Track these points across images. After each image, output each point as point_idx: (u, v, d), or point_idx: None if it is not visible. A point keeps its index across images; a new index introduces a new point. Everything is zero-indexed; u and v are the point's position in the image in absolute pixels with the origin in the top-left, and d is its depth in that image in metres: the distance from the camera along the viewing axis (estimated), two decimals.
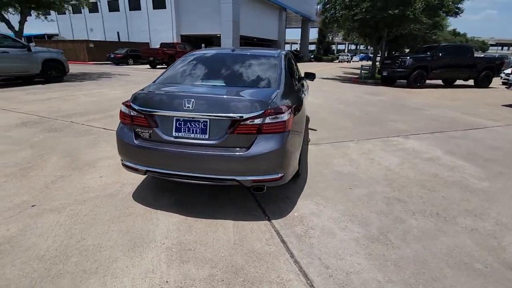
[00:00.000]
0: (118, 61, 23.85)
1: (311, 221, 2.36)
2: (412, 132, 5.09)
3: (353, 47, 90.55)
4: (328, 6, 14.22)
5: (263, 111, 2.15)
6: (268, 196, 2.71)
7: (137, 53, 24.03)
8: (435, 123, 5.82)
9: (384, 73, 12.94)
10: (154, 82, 2.81)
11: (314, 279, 1.75)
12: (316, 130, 5.10)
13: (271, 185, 2.34)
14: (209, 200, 2.63)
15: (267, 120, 2.16)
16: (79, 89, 9.46)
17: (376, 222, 2.36)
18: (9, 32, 12.67)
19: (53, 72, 11.12)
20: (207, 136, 2.21)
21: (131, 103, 2.37)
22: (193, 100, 2.17)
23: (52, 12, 36.12)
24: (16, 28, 12.66)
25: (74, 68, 19.23)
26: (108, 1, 32.14)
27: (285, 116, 2.24)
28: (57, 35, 37.85)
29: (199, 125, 2.21)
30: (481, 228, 2.30)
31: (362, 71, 15.70)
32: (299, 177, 3.09)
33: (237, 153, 2.14)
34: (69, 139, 4.30)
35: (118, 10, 32.02)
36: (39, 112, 5.94)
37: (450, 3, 11.95)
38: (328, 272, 1.81)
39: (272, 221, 2.35)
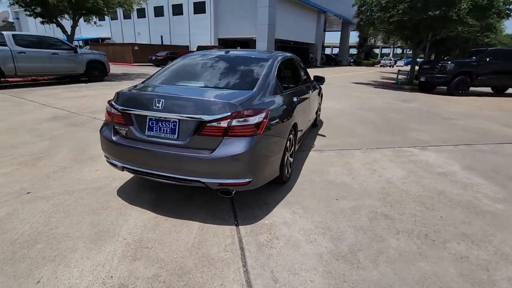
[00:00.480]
0: (159, 63, 25.32)
1: (279, 230, 2.25)
2: (433, 144, 4.64)
3: (399, 50, 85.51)
4: (363, 8, 13.61)
5: (230, 113, 2.11)
6: (245, 200, 2.65)
7: (175, 56, 25.31)
8: (464, 135, 5.24)
9: (422, 79, 12.01)
10: (143, 82, 2.92)
11: None
12: (325, 136, 4.88)
13: (240, 190, 2.29)
14: (185, 200, 2.65)
15: (234, 122, 2.11)
16: (114, 88, 10.18)
17: (350, 238, 2.17)
18: (63, 36, 14.12)
19: (95, 72, 12.11)
20: (176, 136, 2.22)
21: (113, 102, 2.48)
22: (162, 100, 2.20)
23: (106, 18, 39.52)
24: (69, 32, 14.06)
25: (118, 69, 20.82)
26: (154, 6, 34.29)
27: (254, 120, 2.18)
28: (109, 38, 41.39)
29: (169, 125, 2.24)
30: (473, 257, 2.00)
31: (399, 76, 14.75)
32: (286, 184, 2.98)
33: (202, 155, 2.13)
34: (86, 133, 4.64)
35: (163, 15, 34.02)
36: (71, 108, 6.50)
37: (501, 4, 10.72)
38: (274, 286, 1.70)
39: (240, 227, 2.28)
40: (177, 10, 32.57)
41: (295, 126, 3.05)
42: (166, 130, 2.25)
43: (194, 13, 31.10)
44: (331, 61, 42.06)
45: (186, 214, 2.42)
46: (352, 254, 2.00)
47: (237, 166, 2.15)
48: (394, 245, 2.10)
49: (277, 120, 2.51)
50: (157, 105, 2.20)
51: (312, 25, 35.67)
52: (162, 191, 2.79)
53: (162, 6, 33.59)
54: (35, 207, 2.47)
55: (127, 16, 38.27)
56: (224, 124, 2.11)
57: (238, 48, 26.95)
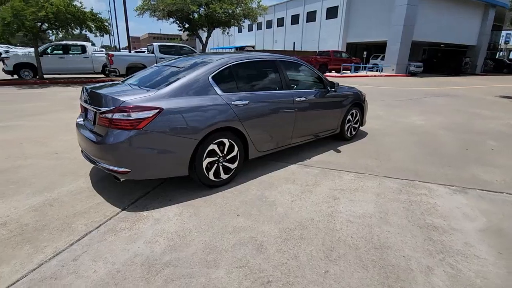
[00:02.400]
0: None
1: (141, 224, 2.32)
2: (491, 188, 3.10)
3: None
4: None
5: (113, 107, 2.37)
6: (160, 192, 2.83)
7: None
8: None
9: None
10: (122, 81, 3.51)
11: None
12: (340, 151, 4.15)
13: (126, 178, 2.50)
14: (103, 182, 3.07)
15: (116, 115, 2.36)
16: None
17: (194, 246, 2.00)
18: (190, 46, 17.51)
19: None
20: (93, 124, 2.68)
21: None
22: (86, 93, 2.72)
23: (254, 28, 45.16)
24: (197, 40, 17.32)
25: None
26: (292, 15, 36.56)
27: (137, 115, 2.35)
28: (253, 46, 47.34)
29: (91, 114, 2.73)
30: None
31: None
32: (214, 188, 2.91)
33: (95, 141, 2.50)
34: None
35: (298, 23, 35.76)
36: None
37: None
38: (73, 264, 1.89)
39: (124, 211, 2.51)
40: (311, 17, 33.44)
41: (232, 130, 2.90)
42: (91, 119, 2.75)
43: (326, 19, 31.03)
44: (502, 67, 31.90)
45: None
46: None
47: (114, 155, 2.39)
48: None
49: (180, 119, 2.54)
50: (86, 98, 2.74)
51: (474, 23, 28.20)
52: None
53: (298, 14, 35.32)
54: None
55: (269, 25, 42.59)
56: (109, 116, 2.39)
57: (365, 53, 24.94)
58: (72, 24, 12.27)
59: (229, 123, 2.86)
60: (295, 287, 1.71)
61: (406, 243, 2.14)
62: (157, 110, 2.43)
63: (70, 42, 14.07)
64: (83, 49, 13.34)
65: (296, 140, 3.78)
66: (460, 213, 2.59)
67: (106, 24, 13.72)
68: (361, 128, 5.10)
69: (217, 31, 19.77)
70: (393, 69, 23.20)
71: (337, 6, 29.30)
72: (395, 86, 14.21)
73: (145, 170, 2.51)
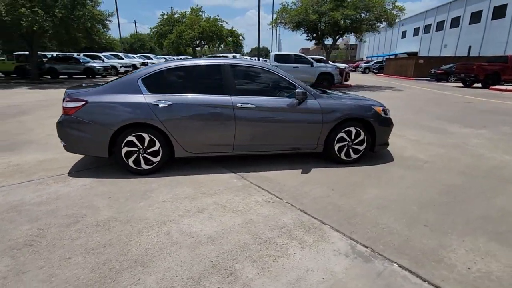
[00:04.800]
0: (439, 77, 22.07)
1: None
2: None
3: None
4: None
5: (65, 98, 3.30)
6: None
7: (463, 70, 20.50)
8: None
9: None
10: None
11: None
12: (308, 173, 3.48)
13: (64, 149, 3.39)
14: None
15: (63, 104, 3.28)
16: None
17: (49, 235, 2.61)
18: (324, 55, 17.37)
19: (323, 82, 14.15)
20: None
21: None
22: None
23: (420, 32, 39.22)
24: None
25: (371, 80, 21.13)
26: (471, 12, 28.92)
27: (69, 105, 3.21)
28: (416, 53, 40.92)
29: None
30: None
31: None
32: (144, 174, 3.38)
33: None
34: None
35: (479, 21, 27.87)
36: None
37: None
38: None
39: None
40: (499, 12, 25.20)
41: (153, 126, 3.21)
42: None
43: None
44: None
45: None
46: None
47: (58, 132, 3.31)
48: None
49: (101, 111, 3.17)
50: None
51: None
52: None
53: (481, 11, 27.49)
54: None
55: (439, 27, 35.59)
56: (62, 104, 3.34)
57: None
58: (215, 40, 15.48)
59: (146, 120, 3.22)
60: None
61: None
62: (83, 102, 3.18)
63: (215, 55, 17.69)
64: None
65: (246, 149, 3.55)
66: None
67: (241, 38, 16.32)
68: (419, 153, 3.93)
69: (375, 39, 18.66)
70: None
71: None
72: None
73: (74, 146, 3.32)
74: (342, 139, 3.70)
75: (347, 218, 2.51)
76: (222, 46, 16.62)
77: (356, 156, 3.79)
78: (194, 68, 3.56)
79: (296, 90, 3.39)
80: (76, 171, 3.51)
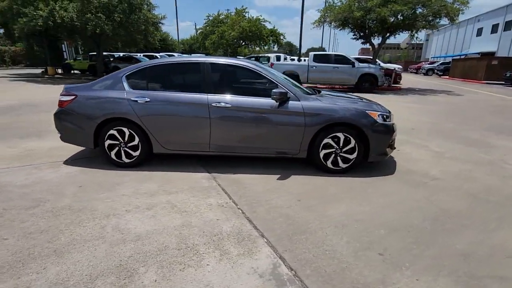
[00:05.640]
0: None
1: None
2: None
3: None
4: None
5: (61, 92, 3.61)
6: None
7: None
8: None
9: None
10: None
11: None
12: (279, 179, 3.24)
13: (63, 141, 3.70)
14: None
15: (59, 97, 3.59)
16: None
17: None
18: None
19: (365, 84, 13.16)
20: None
21: None
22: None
23: (499, 30, 34.11)
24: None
25: (432, 83, 18.73)
26: None
27: (62, 98, 3.50)
28: (493, 53, 35.43)
29: None
30: None
31: None
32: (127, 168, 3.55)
33: None
34: None
35: None
36: None
37: None
38: None
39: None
40: None
41: (132, 121, 3.33)
42: None
43: None
44: None
45: None
46: None
47: (55, 123, 3.62)
48: None
49: (87, 105, 3.39)
50: None
51: None
52: None
53: None
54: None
55: None
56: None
57: None
58: (256, 40, 15.56)
59: (125, 115, 3.34)
60: None
61: None
62: (74, 96, 3.43)
63: (260, 55, 17.85)
64: (268, 59, 16.45)
65: (222, 150, 3.46)
66: None
67: (282, 38, 16.12)
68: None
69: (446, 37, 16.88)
70: None
71: None
72: None
73: (67, 136, 3.61)
74: (328, 146, 3.35)
75: (292, 233, 2.24)
76: (266, 46, 16.66)
77: (346, 165, 3.39)
78: (174, 66, 3.59)
79: (273, 90, 3.16)
80: (73, 160, 3.82)
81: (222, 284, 1.72)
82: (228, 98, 3.32)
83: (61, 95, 3.54)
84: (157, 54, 25.69)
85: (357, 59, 16.30)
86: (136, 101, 3.34)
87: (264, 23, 16.11)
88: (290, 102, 3.29)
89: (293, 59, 19.29)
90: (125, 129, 3.40)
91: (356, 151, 3.33)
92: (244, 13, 16.07)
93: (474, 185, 3.23)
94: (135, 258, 1.93)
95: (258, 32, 14.79)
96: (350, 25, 15.44)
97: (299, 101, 3.31)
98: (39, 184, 3.05)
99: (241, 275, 1.79)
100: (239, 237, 2.18)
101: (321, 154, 3.37)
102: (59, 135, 3.66)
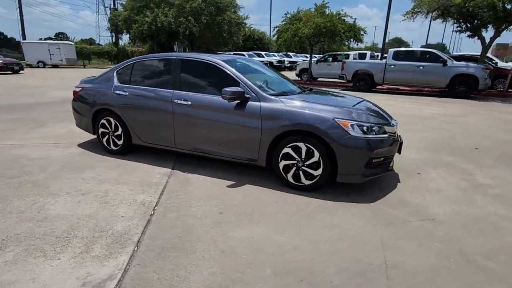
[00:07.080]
0: None
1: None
2: None
3: None
4: None
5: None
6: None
7: None
8: None
9: None
10: None
11: None
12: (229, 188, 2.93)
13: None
14: None
15: (74, 88, 4.20)
16: (469, 110, 8.96)
17: None
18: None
19: (460, 87, 10.61)
20: None
21: None
22: None
23: None
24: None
25: None
26: None
27: (75, 89, 4.08)
28: None
29: None
30: None
31: None
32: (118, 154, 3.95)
33: None
34: None
35: None
36: None
37: None
38: None
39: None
40: None
41: (115, 114, 3.63)
42: None
43: None
44: None
45: None
46: None
47: (72, 112, 4.27)
48: None
49: (87, 96, 3.86)
50: None
51: None
52: None
53: None
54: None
55: None
56: None
57: None
58: (331, 36, 14.52)
59: (110, 107, 3.67)
60: None
61: None
62: (80, 88, 3.97)
63: (338, 52, 16.71)
64: (347, 57, 15.25)
65: (186, 148, 3.39)
66: None
67: (361, 33, 14.54)
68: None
69: None
70: None
71: None
72: None
73: (78, 123, 4.20)
74: (289, 156, 2.83)
75: (170, 247, 2.00)
76: (347, 42, 15.41)
77: (309, 182, 2.80)
78: (152, 62, 3.70)
79: (223, 89, 2.85)
80: (84, 142, 4.43)
81: (44, 282, 1.68)
82: (190, 95, 3.22)
83: (75, 86, 4.15)
84: (244, 53, 27.27)
85: (461, 56, 13.28)
86: (119, 94, 3.61)
87: (345, 18, 14.86)
88: (249, 102, 2.93)
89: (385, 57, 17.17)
90: (111, 119, 3.73)
91: (321, 167, 2.71)
92: (324, 9, 15.18)
93: (488, 243, 2.16)
94: (19, 237, 2.10)
95: (332, 28, 13.71)
96: (452, 15, 12.58)
97: (259, 101, 2.91)
98: (40, 160, 3.66)
99: (69, 279, 1.72)
100: (116, 239, 2.09)
101: (281, 165, 2.89)
102: (75, 122, 4.31)
